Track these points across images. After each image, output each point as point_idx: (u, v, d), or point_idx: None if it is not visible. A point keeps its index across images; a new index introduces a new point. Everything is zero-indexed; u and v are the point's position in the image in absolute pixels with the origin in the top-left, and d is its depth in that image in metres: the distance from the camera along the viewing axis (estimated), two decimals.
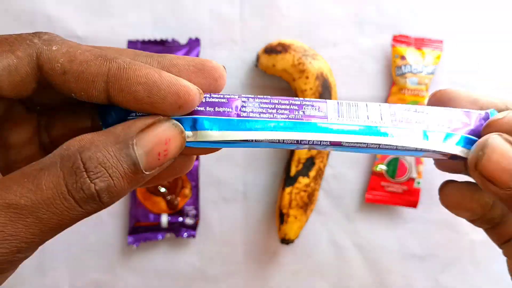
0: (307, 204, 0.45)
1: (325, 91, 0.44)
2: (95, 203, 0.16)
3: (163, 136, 0.17)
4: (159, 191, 0.46)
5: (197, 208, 0.47)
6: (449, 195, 0.22)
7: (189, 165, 0.21)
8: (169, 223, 0.46)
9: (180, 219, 0.46)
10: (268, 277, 0.49)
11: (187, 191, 0.47)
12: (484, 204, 0.22)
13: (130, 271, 0.47)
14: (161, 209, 0.46)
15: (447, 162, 0.23)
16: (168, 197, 0.46)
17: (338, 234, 0.49)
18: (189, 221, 0.47)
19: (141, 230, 0.46)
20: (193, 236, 0.47)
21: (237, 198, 0.48)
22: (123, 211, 0.47)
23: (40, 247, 0.48)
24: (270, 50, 0.45)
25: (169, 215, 0.46)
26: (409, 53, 0.47)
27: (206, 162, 0.48)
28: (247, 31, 0.47)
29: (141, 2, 0.46)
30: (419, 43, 0.47)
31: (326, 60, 0.46)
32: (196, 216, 0.47)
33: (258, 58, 0.45)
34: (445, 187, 0.22)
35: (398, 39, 0.47)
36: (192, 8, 0.47)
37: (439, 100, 0.22)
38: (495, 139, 0.18)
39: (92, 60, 0.17)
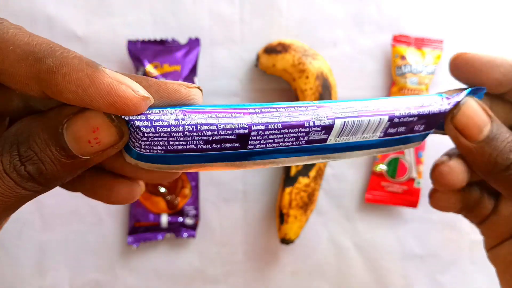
0: (307, 204, 0.45)
1: (325, 91, 0.44)
2: (32, 182, 0.16)
3: (90, 123, 0.16)
4: (159, 191, 0.46)
5: (197, 208, 0.47)
6: (439, 201, 0.25)
7: (135, 194, 0.21)
8: (169, 223, 0.46)
9: (180, 219, 0.46)
10: (268, 277, 0.49)
11: (187, 191, 0.47)
12: (471, 202, 0.25)
13: (130, 271, 0.47)
14: (161, 209, 0.46)
15: (442, 199, 0.26)
16: (168, 197, 0.46)
17: (338, 234, 0.49)
18: (189, 221, 0.47)
19: (141, 230, 0.46)
20: (193, 236, 0.47)
21: (237, 198, 0.48)
22: (123, 211, 0.47)
23: (40, 247, 0.48)
24: (270, 50, 0.45)
25: (169, 215, 0.46)
26: (409, 53, 0.47)
27: None
28: (247, 31, 0.47)
29: (141, 2, 0.46)
30: (419, 43, 0.47)
31: (326, 60, 0.46)
32: (196, 216, 0.47)
33: (258, 58, 0.45)
34: (435, 194, 0.26)
35: (398, 39, 0.47)
36: (192, 8, 0.47)
37: (459, 67, 0.24)
38: (470, 100, 0.22)
39: (23, 59, 0.15)
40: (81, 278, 0.47)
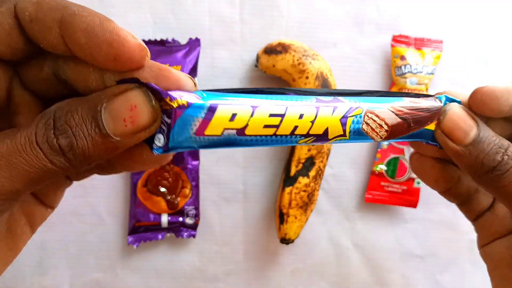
0: (307, 204, 0.45)
1: None
2: (60, 157, 0.17)
3: (129, 101, 0.17)
4: (159, 191, 0.46)
5: (197, 208, 0.47)
6: (415, 162, 0.26)
7: (165, 157, 0.22)
8: (169, 223, 0.46)
9: (180, 219, 0.46)
10: (268, 276, 0.49)
11: (187, 191, 0.47)
12: (449, 178, 0.26)
13: (130, 271, 0.47)
14: (161, 209, 0.46)
15: (421, 161, 0.26)
16: (168, 197, 0.46)
17: (338, 234, 0.49)
18: (189, 221, 0.47)
19: (141, 230, 0.46)
20: (193, 236, 0.47)
21: (237, 198, 0.48)
22: (123, 211, 0.47)
23: (40, 247, 0.48)
24: (270, 50, 0.45)
25: (169, 215, 0.46)
26: (409, 53, 0.47)
27: (206, 162, 0.48)
28: (247, 31, 0.47)
29: (141, 2, 0.46)
30: (419, 43, 0.47)
31: (326, 60, 0.46)
32: (196, 216, 0.47)
33: (258, 58, 0.45)
34: (414, 155, 0.27)
35: (398, 39, 0.47)
36: (192, 8, 0.47)
37: (481, 100, 0.24)
38: (455, 106, 0.23)
39: (53, 8, 0.17)
40: (81, 278, 0.47)
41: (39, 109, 0.21)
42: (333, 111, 0.20)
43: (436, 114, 0.23)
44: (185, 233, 0.47)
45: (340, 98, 0.21)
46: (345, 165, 0.49)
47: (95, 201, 0.47)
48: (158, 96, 0.18)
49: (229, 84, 0.47)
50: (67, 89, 0.20)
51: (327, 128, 0.20)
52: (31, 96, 0.21)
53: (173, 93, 0.18)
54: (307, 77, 0.44)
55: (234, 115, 0.18)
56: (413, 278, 0.49)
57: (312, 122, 0.20)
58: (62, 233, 0.47)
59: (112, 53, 0.17)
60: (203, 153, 0.48)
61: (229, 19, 0.47)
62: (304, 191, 0.45)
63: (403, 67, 0.47)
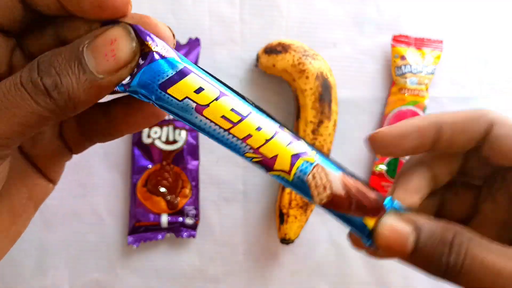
0: (307, 204, 0.45)
1: (325, 91, 0.44)
2: (45, 97, 0.17)
3: (109, 36, 0.18)
4: (159, 191, 0.46)
5: (197, 208, 0.47)
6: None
7: (159, 113, 0.22)
8: (169, 223, 0.46)
9: (180, 219, 0.46)
10: (268, 277, 0.49)
11: (187, 191, 0.47)
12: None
13: (130, 271, 0.47)
14: (161, 209, 0.46)
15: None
16: (168, 197, 0.46)
17: (338, 234, 0.49)
18: (189, 221, 0.47)
19: (141, 230, 0.46)
20: (193, 236, 0.47)
21: (237, 198, 0.48)
22: (123, 211, 0.47)
23: (40, 247, 0.48)
24: (270, 50, 0.45)
25: (169, 215, 0.46)
26: (409, 53, 0.47)
27: (206, 162, 0.48)
28: (247, 31, 0.47)
29: (141, 2, 0.46)
30: (419, 43, 0.47)
31: (326, 60, 0.46)
32: (196, 216, 0.47)
33: (258, 58, 0.45)
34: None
35: (398, 39, 0.47)
36: (192, 8, 0.47)
37: (375, 146, 0.24)
38: (383, 220, 0.21)
39: None
40: (81, 278, 0.47)
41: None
42: (289, 143, 0.20)
43: (377, 212, 0.22)
44: (185, 233, 0.47)
45: (300, 139, 0.21)
46: (345, 165, 0.49)
47: (95, 201, 0.47)
48: (139, 39, 0.18)
49: (229, 84, 0.47)
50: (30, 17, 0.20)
51: (276, 155, 0.20)
52: None
53: (155, 39, 0.19)
54: (307, 77, 0.44)
55: (200, 89, 0.19)
56: (413, 278, 0.49)
57: (267, 141, 0.20)
58: (62, 233, 0.47)
59: (97, 1, 0.18)
60: (203, 153, 0.48)
61: (229, 19, 0.47)
62: None
63: (403, 67, 0.47)
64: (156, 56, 0.18)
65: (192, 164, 0.47)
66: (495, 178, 0.24)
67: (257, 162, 0.20)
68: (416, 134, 0.23)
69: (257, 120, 0.20)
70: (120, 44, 0.18)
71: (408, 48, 0.47)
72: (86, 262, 0.47)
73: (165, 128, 0.46)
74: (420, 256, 0.20)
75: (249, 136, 0.19)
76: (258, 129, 0.19)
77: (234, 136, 0.19)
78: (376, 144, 0.23)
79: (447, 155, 0.24)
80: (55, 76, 0.17)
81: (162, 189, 0.46)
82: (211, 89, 0.19)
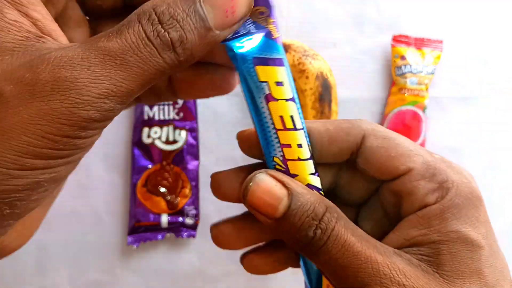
0: None
1: (325, 91, 0.44)
2: (171, 52, 0.17)
3: None
4: (159, 191, 0.46)
5: (197, 208, 0.47)
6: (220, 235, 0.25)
7: (232, 83, 0.22)
8: (169, 223, 0.46)
9: (180, 219, 0.46)
10: (268, 277, 0.49)
11: (187, 191, 0.47)
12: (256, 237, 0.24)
13: (130, 271, 0.47)
14: (161, 209, 0.46)
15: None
16: (168, 197, 0.46)
17: None
18: (189, 221, 0.47)
19: (141, 230, 0.46)
20: (193, 236, 0.47)
21: None
22: (123, 211, 0.47)
23: (40, 247, 0.48)
24: None
25: (169, 215, 0.46)
26: (409, 53, 0.47)
27: (206, 162, 0.48)
28: None
29: None
30: (419, 43, 0.47)
31: (326, 60, 0.46)
32: (196, 216, 0.47)
33: None
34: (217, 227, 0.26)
35: (398, 39, 0.47)
36: None
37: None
38: (259, 176, 0.20)
39: None
40: (81, 278, 0.47)
41: (85, 27, 0.21)
42: (311, 174, 0.21)
43: None
44: (185, 233, 0.47)
45: (317, 175, 0.21)
46: None
47: (95, 201, 0.47)
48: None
49: None
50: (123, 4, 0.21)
51: (296, 175, 0.20)
52: (81, 13, 0.21)
53: (273, 11, 0.19)
54: (307, 77, 0.44)
55: (281, 84, 0.20)
56: None
57: (299, 159, 0.20)
58: (62, 233, 0.47)
59: None
60: (203, 153, 0.47)
61: None
62: None
63: (403, 67, 0.47)
64: (274, 35, 0.19)
65: (192, 164, 0.47)
66: (372, 195, 0.23)
67: (278, 170, 0.20)
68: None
69: (302, 138, 0.20)
70: (240, 2, 0.18)
71: (408, 48, 0.47)
72: (86, 262, 0.47)
73: (165, 128, 0.46)
74: (286, 224, 0.19)
75: (289, 145, 0.20)
76: (299, 145, 0.20)
77: (277, 137, 0.20)
78: (242, 143, 0.23)
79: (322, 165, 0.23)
80: (181, 31, 0.17)
81: (162, 189, 0.46)
82: (288, 90, 0.20)
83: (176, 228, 0.47)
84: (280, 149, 0.20)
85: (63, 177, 0.18)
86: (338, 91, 0.47)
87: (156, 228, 0.46)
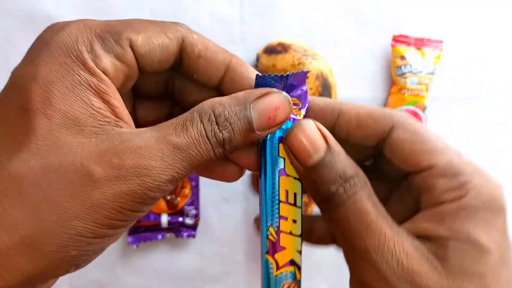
0: (307, 204, 0.45)
1: (325, 91, 0.44)
2: (220, 148, 0.20)
3: (274, 103, 0.21)
4: None
5: (197, 208, 0.47)
6: None
7: (233, 179, 0.24)
8: (169, 223, 0.46)
9: (180, 219, 0.46)
10: None
11: (187, 191, 0.47)
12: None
13: (130, 271, 0.47)
14: (161, 209, 0.46)
15: None
16: (168, 197, 0.46)
17: None
18: (189, 221, 0.47)
19: (141, 230, 0.46)
20: (193, 236, 0.47)
21: (237, 198, 0.48)
22: None
23: None
24: (270, 50, 0.45)
25: (169, 215, 0.46)
26: (409, 53, 0.47)
27: None
28: (247, 31, 0.47)
29: (141, 2, 0.46)
30: (419, 43, 0.47)
31: (326, 60, 0.46)
32: (196, 216, 0.47)
33: (258, 58, 0.45)
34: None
35: (398, 39, 0.47)
36: (192, 8, 0.47)
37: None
38: (305, 122, 0.21)
39: (220, 52, 0.23)
40: (81, 278, 0.47)
41: (130, 104, 0.24)
42: (298, 250, 0.23)
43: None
44: (185, 233, 0.47)
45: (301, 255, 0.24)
46: None
47: None
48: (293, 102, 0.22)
49: None
50: (169, 98, 0.25)
51: (285, 248, 0.22)
52: (131, 93, 0.24)
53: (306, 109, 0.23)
54: (307, 77, 0.44)
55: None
56: None
57: (291, 233, 0.22)
58: None
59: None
60: None
61: (229, 19, 0.47)
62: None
63: (403, 67, 0.47)
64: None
65: None
66: (404, 180, 0.24)
67: (269, 240, 0.22)
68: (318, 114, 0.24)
69: (298, 216, 0.22)
70: (282, 111, 0.21)
71: (408, 48, 0.47)
72: None
73: None
74: (314, 175, 0.21)
75: (285, 218, 0.22)
76: (294, 221, 0.22)
77: (278, 208, 0.22)
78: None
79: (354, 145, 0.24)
80: (231, 133, 0.20)
81: None
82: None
83: (176, 228, 0.47)
84: (277, 219, 0.22)
85: (116, 240, 0.20)
86: (338, 91, 0.47)
87: (156, 228, 0.46)
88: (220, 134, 0.20)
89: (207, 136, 0.19)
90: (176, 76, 0.24)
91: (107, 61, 0.20)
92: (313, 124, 0.21)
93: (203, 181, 0.48)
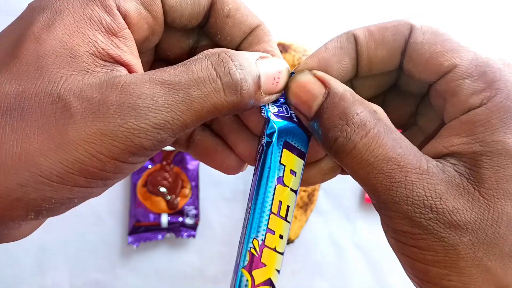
0: (307, 204, 0.45)
1: None
2: (235, 93, 0.17)
3: (278, 66, 0.19)
4: (159, 191, 0.46)
5: (197, 208, 0.47)
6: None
7: (232, 172, 0.23)
8: (169, 223, 0.46)
9: (180, 219, 0.46)
10: None
11: (187, 191, 0.47)
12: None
13: (130, 271, 0.47)
14: (161, 209, 0.46)
15: None
16: (168, 197, 0.46)
17: (338, 234, 0.49)
18: (189, 221, 0.47)
19: (141, 230, 0.46)
20: (193, 236, 0.47)
21: (237, 198, 0.48)
22: (123, 211, 0.47)
23: (40, 247, 0.48)
24: None
25: (169, 215, 0.46)
26: None
27: None
28: None
29: None
30: None
31: None
32: (196, 216, 0.47)
33: None
34: None
35: None
36: None
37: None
38: (299, 74, 0.20)
39: (249, 16, 0.22)
40: (81, 278, 0.47)
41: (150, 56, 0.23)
42: (277, 270, 0.22)
43: None
44: (185, 233, 0.47)
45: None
46: None
47: (95, 201, 0.47)
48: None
49: None
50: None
51: (265, 266, 0.22)
52: (152, 57, 0.23)
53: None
54: None
55: (294, 173, 0.21)
56: None
57: (275, 249, 0.21)
58: (62, 233, 0.47)
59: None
60: None
61: None
62: (304, 191, 0.45)
63: None
64: (309, 134, 0.21)
65: (192, 164, 0.47)
66: (427, 93, 0.21)
67: (250, 254, 0.21)
68: (337, 57, 0.22)
69: (285, 232, 0.21)
70: (283, 76, 0.20)
71: None
72: (86, 262, 0.47)
73: None
74: (318, 123, 0.19)
75: (273, 232, 0.21)
76: (281, 237, 0.21)
77: (268, 220, 0.20)
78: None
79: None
80: (246, 75, 0.18)
81: (162, 189, 0.46)
82: (297, 182, 0.21)
83: (176, 228, 0.47)
84: (264, 232, 0.20)
85: (92, 197, 0.18)
86: None
87: (156, 228, 0.46)
88: (237, 72, 0.17)
89: (217, 73, 0.17)
90: (200, 43, 0.22)
91: (131, 4, 0.18)
92: (307, 73, 0.20)
93: (203, 181, 0.48)
